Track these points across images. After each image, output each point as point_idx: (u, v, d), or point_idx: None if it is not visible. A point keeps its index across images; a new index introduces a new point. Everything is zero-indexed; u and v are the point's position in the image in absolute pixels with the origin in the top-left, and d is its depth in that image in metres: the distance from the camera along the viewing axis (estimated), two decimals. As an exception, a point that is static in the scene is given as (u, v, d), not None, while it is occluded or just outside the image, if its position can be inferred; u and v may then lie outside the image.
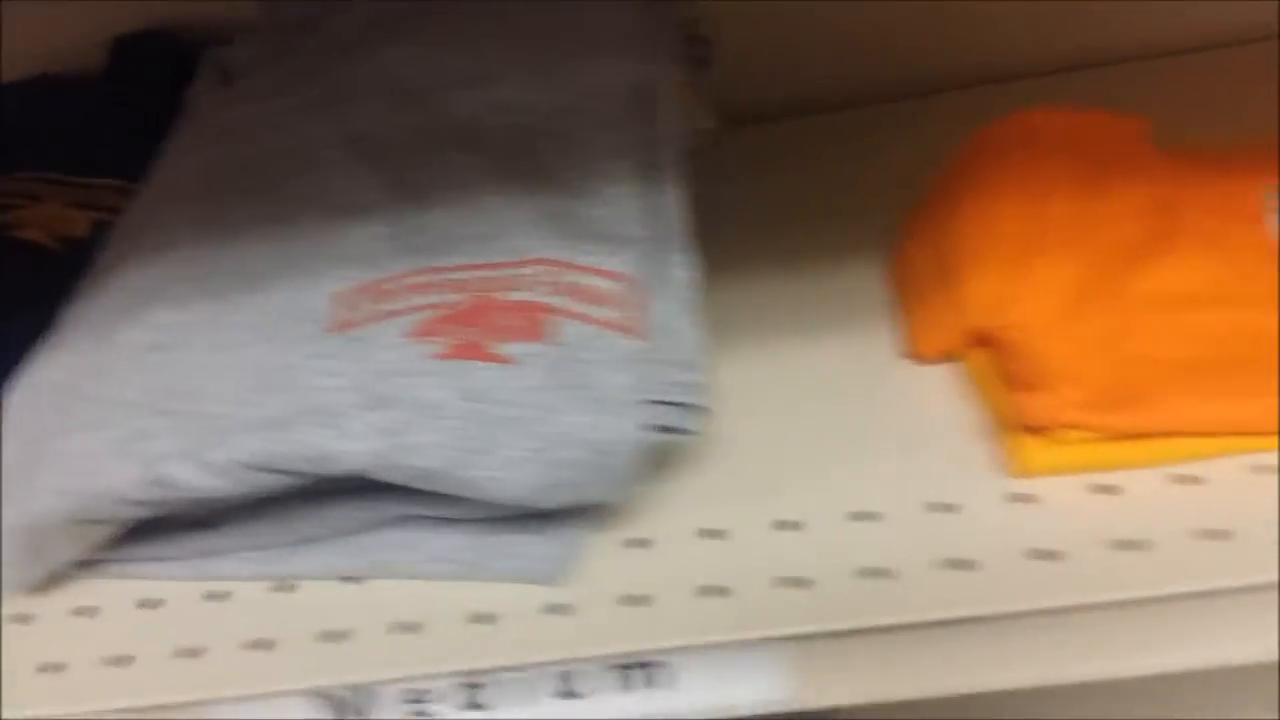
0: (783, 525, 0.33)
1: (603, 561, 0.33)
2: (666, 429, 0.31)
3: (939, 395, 0.37)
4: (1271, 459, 0.32)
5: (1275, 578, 0.29)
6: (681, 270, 0.34)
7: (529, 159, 0.35)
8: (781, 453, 0.36)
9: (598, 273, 0.32)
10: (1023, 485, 0.33)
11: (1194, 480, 0.32)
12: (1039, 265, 0.37)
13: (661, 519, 0.34)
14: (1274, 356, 0.33)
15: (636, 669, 0.32)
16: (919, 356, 0.38)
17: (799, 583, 0.31)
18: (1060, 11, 0.51)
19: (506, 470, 0.30)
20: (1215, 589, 0.29)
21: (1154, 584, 0.29)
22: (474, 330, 0.31)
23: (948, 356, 0.37)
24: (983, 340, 0.36)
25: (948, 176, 0.42)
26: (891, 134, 0.49)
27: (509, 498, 0.30)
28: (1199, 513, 0.31)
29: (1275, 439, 0.32)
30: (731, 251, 0.45)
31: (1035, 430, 0.33)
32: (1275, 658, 0.30)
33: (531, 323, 0.31)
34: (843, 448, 0.35)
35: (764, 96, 0.54)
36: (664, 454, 0.35)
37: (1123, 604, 0.30)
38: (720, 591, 0.32)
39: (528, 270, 0.32)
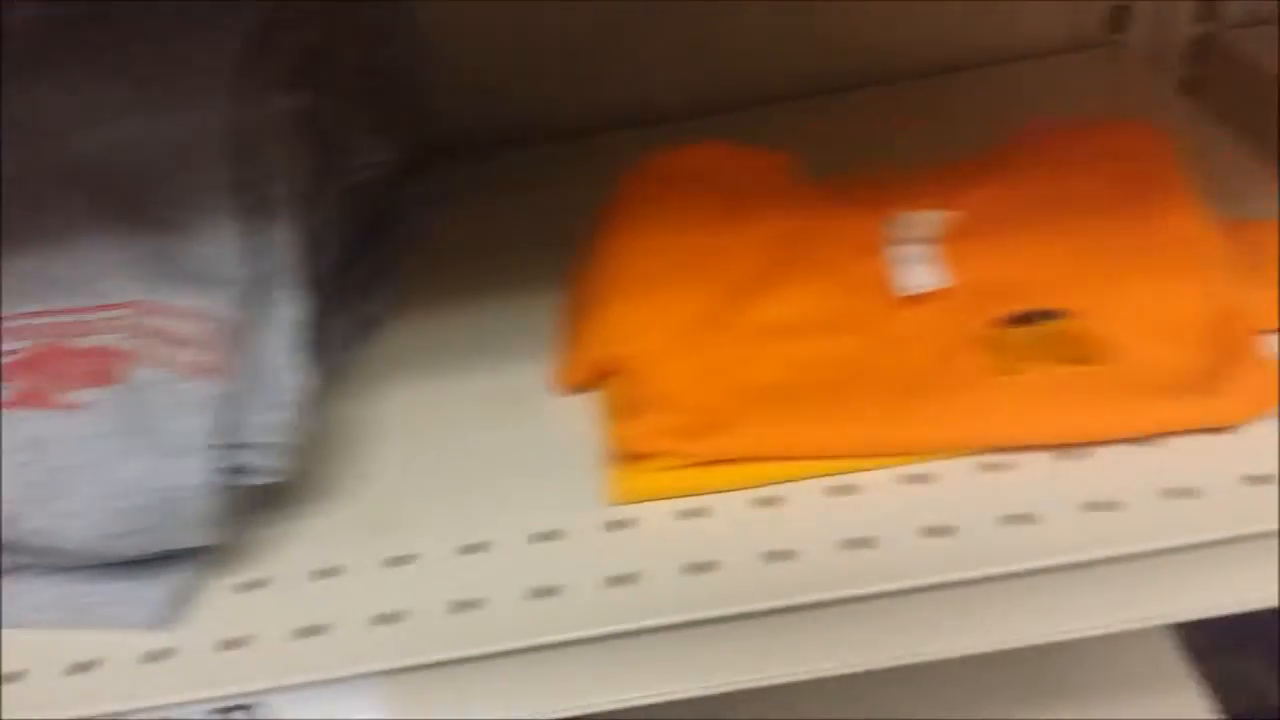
0: (393, 561, 0.34)
1: (210, 604, 0.33)
2: (243, 471, 0.31)
3: (573, 426, 0.38)
4: (846, 480, 0.33)
5: (840, 594, 0.31)
6: (288, 309, 0.34)
7: (133, 199, 0.35)
8: (409, 487, 0.36)
9: (186, 314, 0.32)
10: (623, 512, 0.34)
11: (776, 502, 0.33)
12: (664, 296, 0.38)
13: (276, 559, 0.34)
14: (854, 381, 0.35)
15: (236, 711, 0.32)
16: (561, 387, 0.39)
17: (395, 617, 0.32)
18: (766, 45, 0.53)
19: (69, 519, 0.29)
20: (778, 607, 0.31)
21: (723, 603, 0.31)
22: (40, 378, 0.31)
23: (587, 387, 0.39)
24: (609, 370, 0.38)
25: (604, 212, 0.43)
26: (599, 166, 0.50)
27: (74, 547, 0.30)
28: (770, 535, 0.32)
29: (846, 462, 0.34)
30: (418, 283, 0.47)
31: (632, 457, 0.34)
32: (859, 668, 0.32)
33: (101, 368, 0.31)
34: (468, 481, 0.36)
35: (485, 126, 0.55)
36: (287, 493, 0.35)
37: (696, 623, 0.31)
38: (321, 630, 0.32)
39: (113, 314, 0.32)
